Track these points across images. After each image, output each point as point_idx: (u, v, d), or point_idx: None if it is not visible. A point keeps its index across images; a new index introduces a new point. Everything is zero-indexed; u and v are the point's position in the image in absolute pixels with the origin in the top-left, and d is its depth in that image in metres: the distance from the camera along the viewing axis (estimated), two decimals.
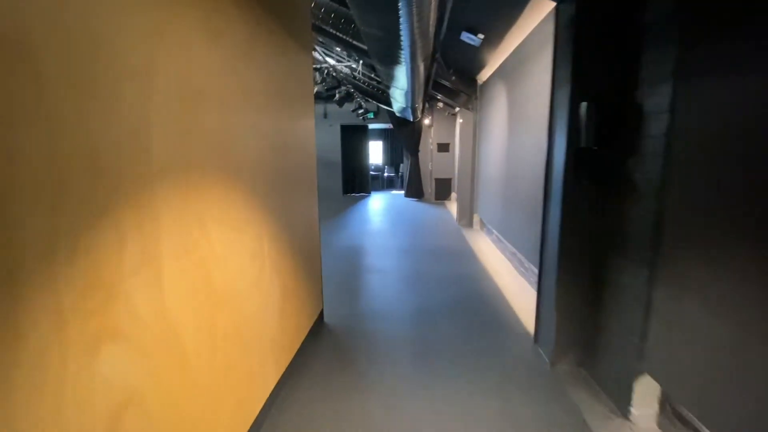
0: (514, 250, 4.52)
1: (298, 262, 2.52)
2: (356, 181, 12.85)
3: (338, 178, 12.47)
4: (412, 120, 8.91)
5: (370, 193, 12.92)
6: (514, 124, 4.47)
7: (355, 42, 4.48)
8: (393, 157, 15.38)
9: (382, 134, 15.27)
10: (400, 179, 14.66)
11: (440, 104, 9.94)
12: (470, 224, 7.16)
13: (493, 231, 5.68)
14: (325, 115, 12.28)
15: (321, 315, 3.09)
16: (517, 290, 3.84)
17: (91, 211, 0.91)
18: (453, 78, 6.60)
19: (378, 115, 12.08)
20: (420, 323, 3.12)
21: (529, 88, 3.86)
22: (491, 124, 5.79)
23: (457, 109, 9.52)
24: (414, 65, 3.93)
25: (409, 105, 6.63)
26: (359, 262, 4.99)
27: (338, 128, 12.29)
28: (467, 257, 5.14)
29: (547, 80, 3.30)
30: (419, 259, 5.13)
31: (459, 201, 7.39)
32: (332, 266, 4.73)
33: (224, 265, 1.54)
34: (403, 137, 10.83)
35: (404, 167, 12.57)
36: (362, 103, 9.23)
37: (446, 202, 10.80)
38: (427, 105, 8.60)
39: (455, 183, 10.63)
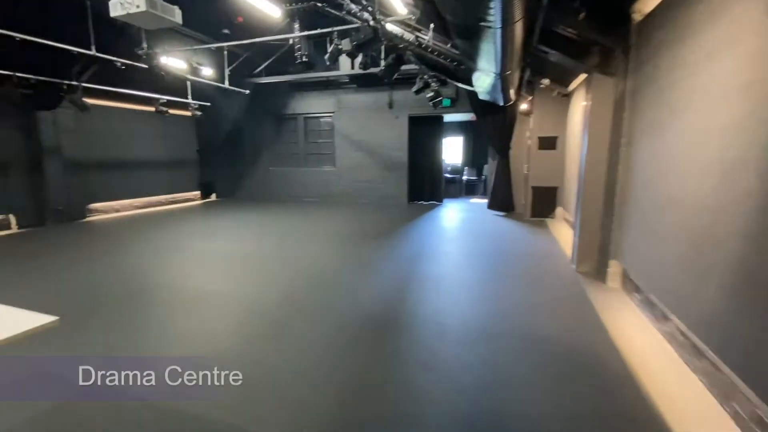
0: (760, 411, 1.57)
1: None
2: (426, 187, 10.27)
3: (403, 183, 10.03)
4: (502, 104, 6.04)
5: (442, 201, 10.22)
6: None
7: None
8: (475, 157, 12.39)
9: (461, 128, 12.38)
10: (483, 184, 11.65)
11: (545, 81, 6.83)
12: (602, 276, 4.12)
13: (671, 316, 2.70)
14: (390, 105, 9.91)
15: None
16: None
17: None
18: (581, 15, 3.66)
19: (457, 103, 9.31)
20: None
21: None
22: (680, 95, 2.78)
23: (575, 84, 6.28)
24: None
25: (498, 71, 3.88)
26: (368, 377, 2.49)
27: (405, 120, 9.83)
28: (615, 387, 2.28)
29: None
30: (503, 380, 2.43)
31: (581, 230, 4.37)
32: (298, 409, 2.28)
33: None
34: (489, 129, 7.92)
35: (488, 169, 9.59)
36: (429, 82, 6.61)
37: (548, 221, 7.62)
38: (525, 77, 5.64)
39: (563, 195, 7.40)
